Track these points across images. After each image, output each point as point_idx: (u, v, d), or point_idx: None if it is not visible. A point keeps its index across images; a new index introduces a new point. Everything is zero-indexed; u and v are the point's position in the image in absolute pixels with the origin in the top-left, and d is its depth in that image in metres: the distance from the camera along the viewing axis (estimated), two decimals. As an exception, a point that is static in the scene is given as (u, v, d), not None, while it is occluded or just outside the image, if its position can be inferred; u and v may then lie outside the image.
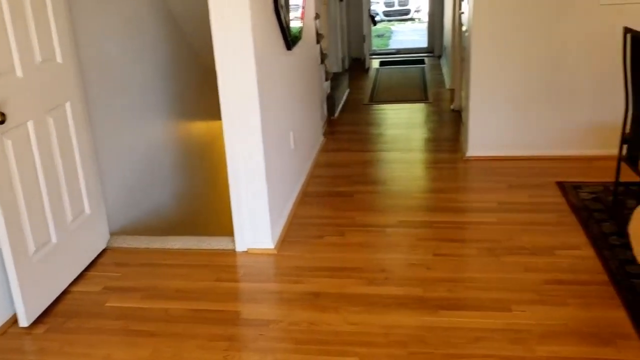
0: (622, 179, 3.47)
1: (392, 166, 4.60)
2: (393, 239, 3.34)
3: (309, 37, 4.57)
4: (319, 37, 5.23)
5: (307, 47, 4.46)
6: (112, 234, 3.48)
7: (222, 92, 3.00)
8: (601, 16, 4.03)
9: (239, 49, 2.90)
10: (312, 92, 4.69)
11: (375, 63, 8.78)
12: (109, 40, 3.57)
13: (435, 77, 7.60)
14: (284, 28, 3.54)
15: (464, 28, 5.12)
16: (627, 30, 3.20)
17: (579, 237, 3.18)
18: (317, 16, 5.11)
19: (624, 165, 3.39)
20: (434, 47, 8.96)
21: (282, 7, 3.43)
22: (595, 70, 4.14)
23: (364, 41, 8.24)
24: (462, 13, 5.33)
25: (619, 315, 2.50)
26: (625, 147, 3.37)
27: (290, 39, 3.71)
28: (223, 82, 2.97)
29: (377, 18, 16.13)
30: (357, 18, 8.37)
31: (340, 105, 6.29)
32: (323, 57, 5.58)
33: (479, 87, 4.34)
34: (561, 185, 3.84)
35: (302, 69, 4.24)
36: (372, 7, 16.23)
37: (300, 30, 4.09)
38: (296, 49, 3.96)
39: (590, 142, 4.26)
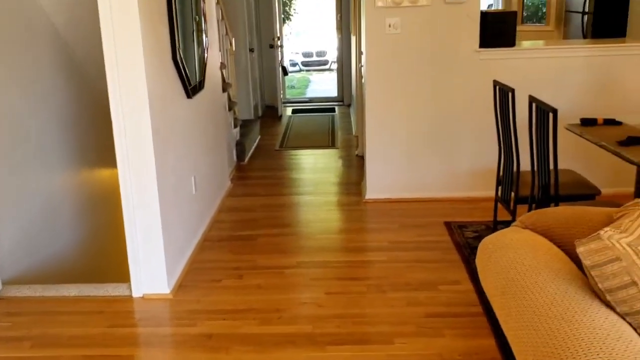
0: (500, 217, 3.79)
1: (298, 209, 4.77)
2: (290, 279, 3.47)
3: (214, 85, 4.72)
4: (225, 85, 5.41)
5: (211, 95, 4.61)
6: (6, 283, 3.41)
7: (117, 139, 3.07)
8: (480, 70, 4.44)
9: (133, 96, 3.00)
10: (218, 138, 4.82)
11: (288, 111, 9.06)
12: (8, 89, 3.57)
13: (344, 125, 7.94)
14: (183, 77, 3.67)
15: (363, 79, 5.45)
16: (495, 83, 3.57)
17: (460, 273, 3.43)
18: (222, 66, 5.30)
19: (501, 205, 3.71)
20: (344, 96, 9.37)
21: (181, 58, 3.58)
22: (475, 119, 4.52)
23: (278, 90, 8.53)
24: (362, 66, 5.68)
25: (489, 343, 2.72)
26: (500, 189, 3.70)
27: (190, 88, 3.85)
28: (118, 128, 3.05)
29: (296, 68, 16.64)
30: (271, 68, 8.66)
31: (251, 151, 6.45)
32: (231, 104, 5.75)
33: (375, 134, 4.63)
34: (448, 225, 4.13)
35: (205, 116, 4.37)
36: (291, 58, 16.76)
37: (203, 79, 4.24)
38: (198, 96, 4.10)
39: (474, 184, 4.61)
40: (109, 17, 2.89)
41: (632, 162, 2.82)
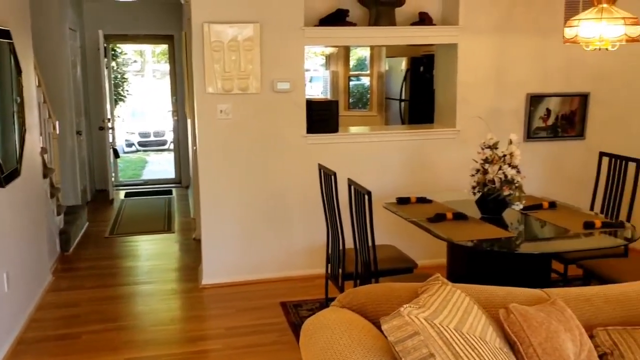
0: (332, 294, 3.90)
1: (129, 301, 4.50)
2: (117, 379, 3.22)
3: (32, 171, 4.42)
4: (47, 171, 5.08)
5: (29, 182, 4.29)
6: None
7: None
8: (308, 154, 4.67)
9: None
10: (36, 229, 4.46)
11: (121, 194, 8.71)
12: None
13: (182, 207, 7.79)
14: (-7, 166, 3.40)
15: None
16: (320, 167, 3.78)
17: (295, 354, 3.44)
18: (44, 151, 5.00)
19: (332, 282, 3.84)
20: (182, 177, 9.26)
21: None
22: (306, 200, 4.71)
23: (109, 173, 8.19)
24: (195, 148, 5.69)
25: None
26: (329, 266, 3.84)
27: (4, 176, 3.56)
28: None
29: (132, 148, 16.14)
30: (102, 150, 8.34)
31: (77, 240, 6.03)
32: (54, 191, 5.39)
33: (210, 217, 4.61)
34: (284, 305, 4.16)
35: (21, 205, 4.05)
36: (127, 138, 16.27)
37: (19, 166, 3.95)
38: (13, 184, 3.80)
39: (309, 262, 4.74)
40: None
41: (439, 238, 3.11)
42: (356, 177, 4.20)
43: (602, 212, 4.07)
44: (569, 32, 3.36)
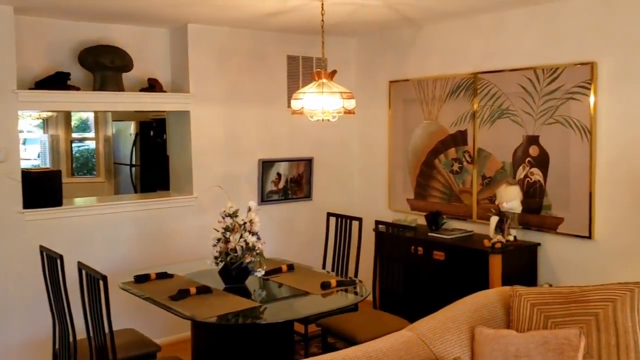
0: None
1: None
2: None
3: None
4: None
5: None
6: None
7: None
8: (27, 232, 4.06)
9: None
10: None
11: None
12: None
13: None
14: None
15: None
16: (42, 249, 3.29)
17: None
18: None
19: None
20: None
21: None
22: (27, 287, 4.07)
23: None
24: None
25: None
26: None
27: None
28: None
29: None
30: None
31: None
32: None
33: None
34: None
35: None
36: None
37: None
38: None
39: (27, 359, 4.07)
40: None
41: (183, 317, 2.93)
42: (87, 254, 3.81)
43: (333, 269, 4.34)
44: (295, 105, 3.58)
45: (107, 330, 2.82)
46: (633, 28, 3.67)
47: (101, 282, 2.67)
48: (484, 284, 3.95)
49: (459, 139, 4.78)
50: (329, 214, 4.54)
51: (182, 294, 3.19)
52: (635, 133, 3.70)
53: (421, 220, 4.91)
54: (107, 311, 2.75)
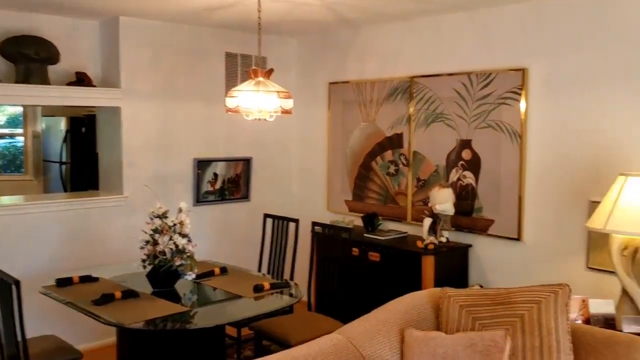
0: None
1: None
2: None
3: None
4: None
5: None
6: None
7: None
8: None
9: None
10: None
11: None
12: None
13: None
14: None
15: None
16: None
17: None
18: None
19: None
20: None
21: None
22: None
23: None
24: None
25: None
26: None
27: None
28: None
29: None
30: None
31: None
32: None
33: None
34: None
35: None
36: None
37: None
38: None
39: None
40: None
41: (107, 323, 2.79)
42: (7, 257, 3.62)
43: (269, 271, 4.28)
44: (230, 102, 3.49)
45: (20, 337, 2.65)
46: (562, 35, 3.78)
47: (14, 287, 2.51)
48: (417, 285, 3.98)
49: (395, 141, 4.81)
50: (266, 215, 4.47)
51: (106, 299, 3.05)
52: (563, 138, 3.81)
53: (358, 221, 4.91)
54: (19, 318, 2.59)
